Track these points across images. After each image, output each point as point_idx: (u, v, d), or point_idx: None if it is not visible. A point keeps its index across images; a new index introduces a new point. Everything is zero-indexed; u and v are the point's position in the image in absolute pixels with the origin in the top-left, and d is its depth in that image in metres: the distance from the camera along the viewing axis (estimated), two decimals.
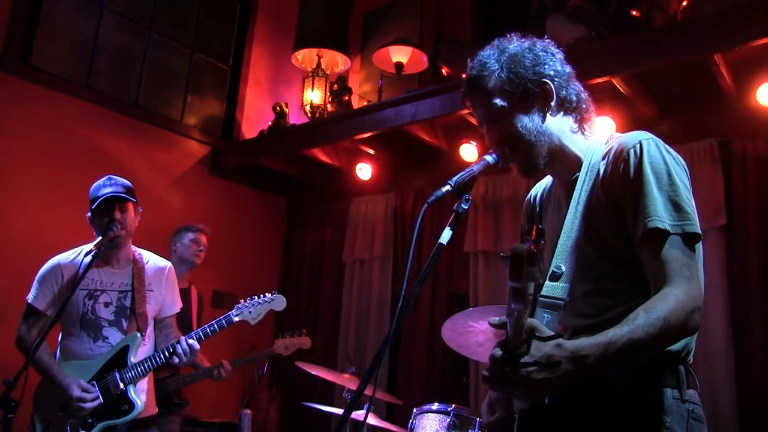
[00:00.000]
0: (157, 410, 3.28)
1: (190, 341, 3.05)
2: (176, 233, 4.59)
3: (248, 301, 3.26)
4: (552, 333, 1.35)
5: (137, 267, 3.23)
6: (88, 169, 5.16)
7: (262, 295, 3.29)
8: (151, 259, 3.33)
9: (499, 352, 1.33)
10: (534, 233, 1.21)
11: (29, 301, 3.12)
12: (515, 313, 1.26)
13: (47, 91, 5.07)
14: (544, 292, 1.60)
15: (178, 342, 3.05)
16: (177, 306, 3.38)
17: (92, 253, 3.04)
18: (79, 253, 3.19)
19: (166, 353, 3.04)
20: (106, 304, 3.13)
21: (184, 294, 4.40)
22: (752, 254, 4.03)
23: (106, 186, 3.14)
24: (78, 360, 3.07)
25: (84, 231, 3.26)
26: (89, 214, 3.14)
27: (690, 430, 1.49)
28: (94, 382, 3.02)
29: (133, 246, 3.30)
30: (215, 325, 3.14)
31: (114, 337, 3.11)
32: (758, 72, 3.92)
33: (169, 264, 3.39)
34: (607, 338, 1.35)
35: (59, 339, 3.18)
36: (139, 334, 3.10)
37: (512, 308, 1.24)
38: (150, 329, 3.23)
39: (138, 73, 5.89)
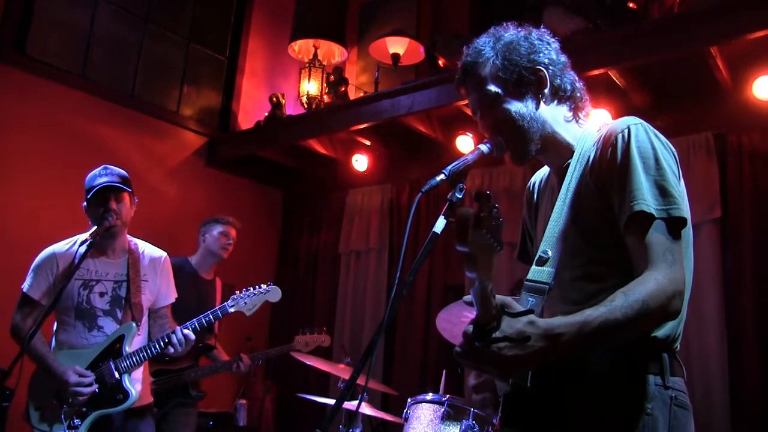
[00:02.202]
0: (151, 399, 3.29)
1: (185, 331, 3.06)
2: (205, 223, 4.52)
3: (244, 292, 3.27)
4: (523, 309, 1.35)
5: (133, 257, 3.23)
6: (83, 160, 5.14)
7: (257, 286, 3.30)
8: (147, 249, 3.33)
9: (471, 327, 1.33)
10: (480, 198, 1.20)
11: (24, 290, 3.12)
12: (476, 285, 1.25)
13: (43, 81, 5.06)
14: (530, 276, 1.61)
15: (174, 332, 3.06)
16: (172, 296, 3.38)
17: (87, 243, 3.04)
18: (74, 243, 3.19)
19: (162, 343, 3.05)
20: (101, 294, 3.13)
21: (210, 285, 4.40)
22: (747, 247, 4.05)
23: (101, 176, 3.13)
24: (73, 349, 3.07)
25: (79, 221, 3.26)
26: (85, 203, 3.14)
27: (673, 417, 1.47)
28: (89, 371, 3.02)
29: (128, 236, 3.30)
30: (210, 316, 3.15)
31: (109, 326, 3.11)
32: (754, 65, 3.92)
33: (164, 254, 3.39)
34: (582, 318, 1.34)
35: (54, 328, 3.18)
36: (134, 324, 3.11)
37: (468, 277, 1.23)
38: (144, 319, 3.24)
39: (134, 63, 5.87)
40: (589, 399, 1.50)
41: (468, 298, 1.39)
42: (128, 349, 3.06)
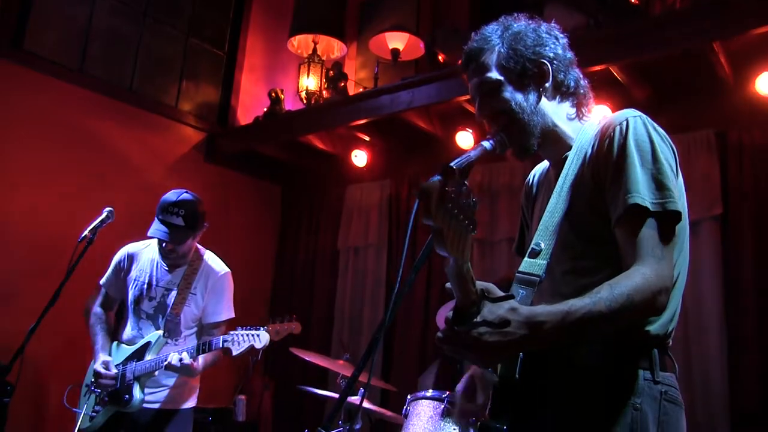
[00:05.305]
0: (190, 405, 3.35)
1: (183, 354, 3.03)
2: None
3: (240, 330, 3.13)
4: (503, 294, 1.33)
5: (190, 268, 3.29)
6: (82, 155, 5.14)
7: (253, 328, 3.15)
8: (209, 263, 3.36)
9: (452, 312, 1.32)
10: (446, 173, 1.17)
11: (101, 281, 3.39)
12: (450, 264, 1.24)
13: (41, 76, 5.03)
14: (522, 268, 1.60)
15: (176, 353, 3.06)
16: (223, 314, 3.36)
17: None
18: (147, 246, 3.35)
19: (163, 362, 3.07)
20: (151, 299, 3.23)
21: None
22: (747, 244, 4.03)
23: (173, 204, 3.16)
24: (120, 344, 3.25)
25: (78, 215, 3.27)
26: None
27: (663, 412, 1.46)
28: (120, 366, 3.14)
29: (200, 247, 3.38)
30: (205, 345, 3.09)
31: (147, 330, 3.21)
32: (757, 62, 3.90)
33: (223, 271, 3.38)
34: (566, 307, 1.33)
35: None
36: (161, 333, 3.16)
37: (439, 254, 1.20)
38: (189, 332, 3.28)
39: (133, 58, 5.84)
40: (578, 392, 1.50)
41: (449, 285, 1.36)
42: (149, 356, 3.12)
